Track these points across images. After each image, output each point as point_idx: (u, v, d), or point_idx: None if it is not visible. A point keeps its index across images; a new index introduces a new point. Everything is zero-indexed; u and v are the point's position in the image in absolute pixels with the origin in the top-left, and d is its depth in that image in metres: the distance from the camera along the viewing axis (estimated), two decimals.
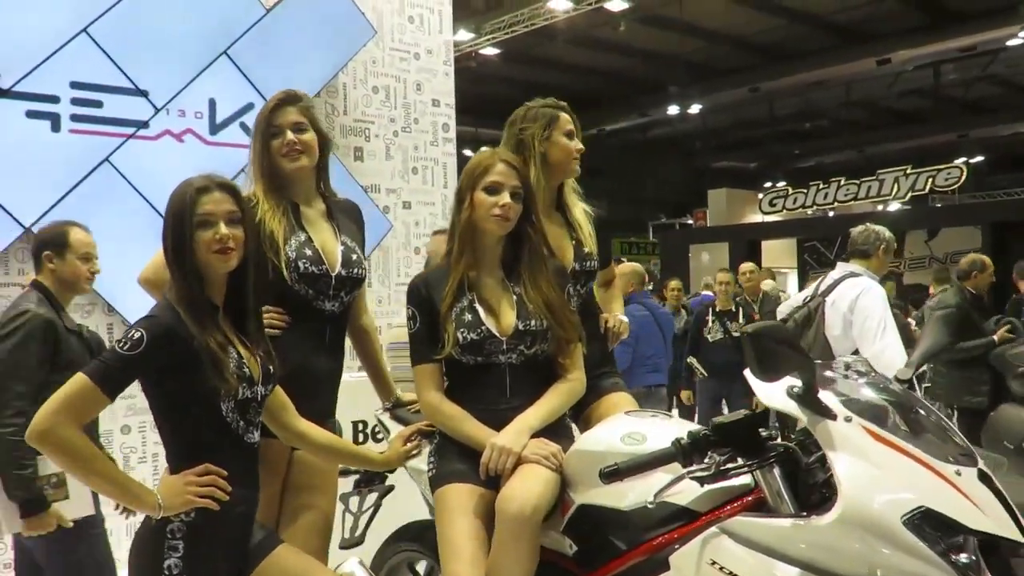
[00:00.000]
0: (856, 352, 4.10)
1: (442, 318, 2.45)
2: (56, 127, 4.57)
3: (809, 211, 18.56)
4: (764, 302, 7.63)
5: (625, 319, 3.18)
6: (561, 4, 13.40)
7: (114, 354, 1.93)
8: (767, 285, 8.69)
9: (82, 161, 4.66)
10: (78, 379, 1.91)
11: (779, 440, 1.96)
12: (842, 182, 17.42)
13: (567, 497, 2.32)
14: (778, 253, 18.25)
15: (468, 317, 2.44)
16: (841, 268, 4.62)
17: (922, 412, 1.95)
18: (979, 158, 21.91)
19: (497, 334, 2.43)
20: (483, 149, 2.62)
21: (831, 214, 18.31)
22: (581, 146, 2.82)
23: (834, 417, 1.82)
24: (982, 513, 1.73)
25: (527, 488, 2.23)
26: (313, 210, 2.73)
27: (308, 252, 2.60)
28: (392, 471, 2.94)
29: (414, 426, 2.63)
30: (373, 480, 3.01)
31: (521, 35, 14.42)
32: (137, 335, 1.93)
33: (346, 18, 5.79)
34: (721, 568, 1.88)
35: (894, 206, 17.87)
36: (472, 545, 2.26)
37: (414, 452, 2.58)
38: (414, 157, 6.49)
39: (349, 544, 2.91)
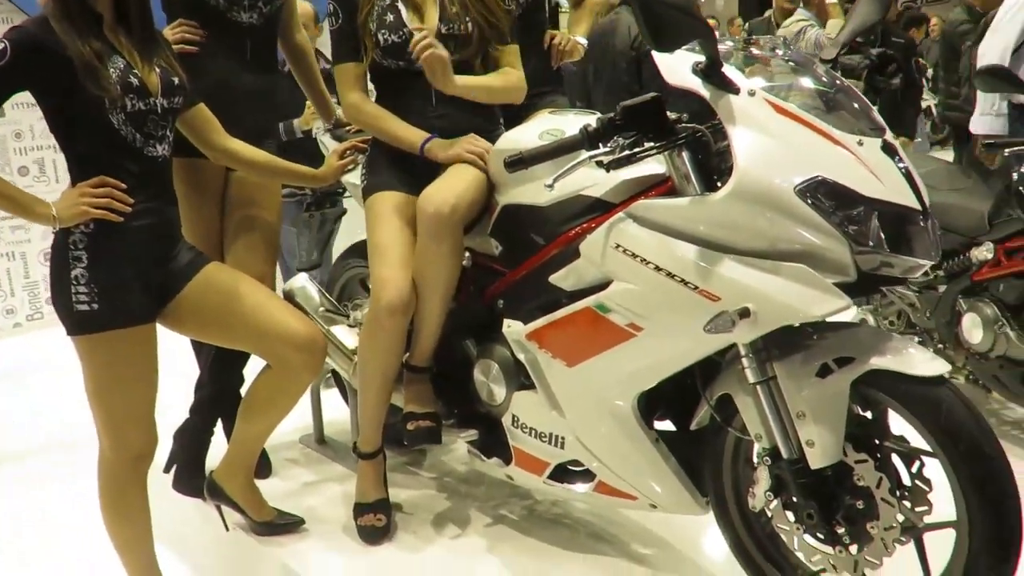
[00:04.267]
0: None
1: (362, 16, 2.29)
2: None
3: None
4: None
5: (580, 40, 2.99)
6: None
7: None
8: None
9: None
10: None
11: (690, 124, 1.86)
12: None
13: (493, 200, 2.28)
14: None
15: (390, 17, 2.28)
16: None
17: (840, 90, 1.83)
18: None
19: None
20: None
21: None
22: None
23: (737, 91, 1.71)
24: (880, 182, 1.65)
25: (446, 188, 2.18)
26: None
27: None
28: (341, 194, 2.92)
29: (349, 142, 2.55)
30: (323, 203, 3.00)
31: None
32: (0, 46, 1.83)
33: None
34: (625, 251, 1.84)
35: None
36: (398, 248, 2.26)
37: (349, 167, 2.52)
38: None
39: (306, 266, 2.94)
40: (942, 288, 3.09)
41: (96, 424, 2.04)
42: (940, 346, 3.04)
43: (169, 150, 2.07)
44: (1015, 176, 2.75)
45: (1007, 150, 2.80)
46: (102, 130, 1.93)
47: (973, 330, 2.91)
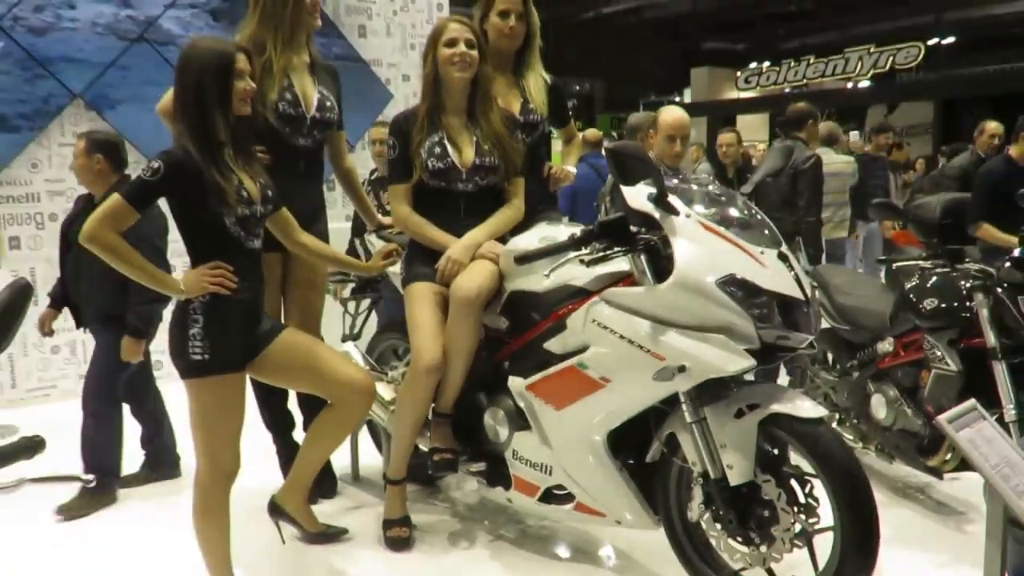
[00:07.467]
0: None
1: (415, 147, 2.90)
2: None
3: (786, 88, 18.56)
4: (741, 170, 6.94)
5: (571, 169, 3.64)
6: None
7: (140, 180, 2.39)
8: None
9: None
10: (115, 198, 2.37)
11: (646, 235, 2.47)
12: (811, 60, 17.32)
13: (502, 288, 2.89)
14: (752, 128, 18.39)
15: (437, 150, 2.90)
16: None
17: (749, 213, 2.47)
18: (950, 39, 21.53)
19: (459, 166, 2.92)
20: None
21: (805, 91, 18.34)
22: (513, 24, 3.10)
23: (678, 214, 2.34)
24: (775, 279, 2.27)
25: (473, 279, 2.78)
26: (299, 59, 3.11)
27: (288, 96, 3.04)
28: (379, 280, 3.52)
29: (392, 245, 3.16)
30: (365, 289, 3.60)
31: None
32: (156, 165, 2.38)
33: None
34: (599, 324, 2.44)
35: (865, 83, 17.84)
36: (432, 325, 2.83)
37: (391, 263, 3.11)
38: (411, 34, 6.85)
39: (348, 338, 3.52)
40: (856, 375, 3.66)
41: (195, 449, 2.51)
42: (854, 422, 3.54)
43: (261, 243, 2.62)
44: (906, 286, 3.36)
45: (894, 265, 3.42)
46: (218, 230, 2.47)
47: (879, 408, 3.42)
